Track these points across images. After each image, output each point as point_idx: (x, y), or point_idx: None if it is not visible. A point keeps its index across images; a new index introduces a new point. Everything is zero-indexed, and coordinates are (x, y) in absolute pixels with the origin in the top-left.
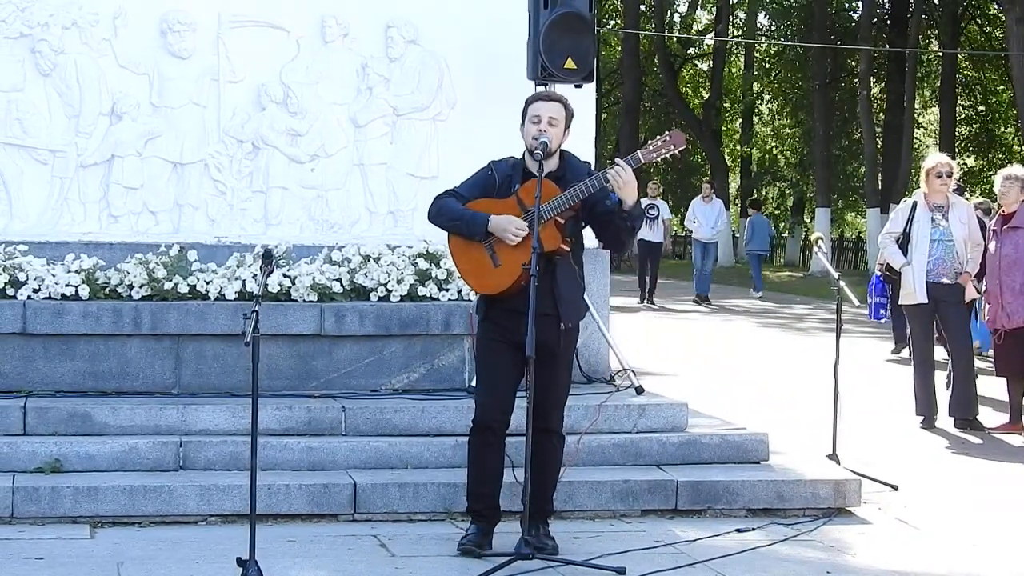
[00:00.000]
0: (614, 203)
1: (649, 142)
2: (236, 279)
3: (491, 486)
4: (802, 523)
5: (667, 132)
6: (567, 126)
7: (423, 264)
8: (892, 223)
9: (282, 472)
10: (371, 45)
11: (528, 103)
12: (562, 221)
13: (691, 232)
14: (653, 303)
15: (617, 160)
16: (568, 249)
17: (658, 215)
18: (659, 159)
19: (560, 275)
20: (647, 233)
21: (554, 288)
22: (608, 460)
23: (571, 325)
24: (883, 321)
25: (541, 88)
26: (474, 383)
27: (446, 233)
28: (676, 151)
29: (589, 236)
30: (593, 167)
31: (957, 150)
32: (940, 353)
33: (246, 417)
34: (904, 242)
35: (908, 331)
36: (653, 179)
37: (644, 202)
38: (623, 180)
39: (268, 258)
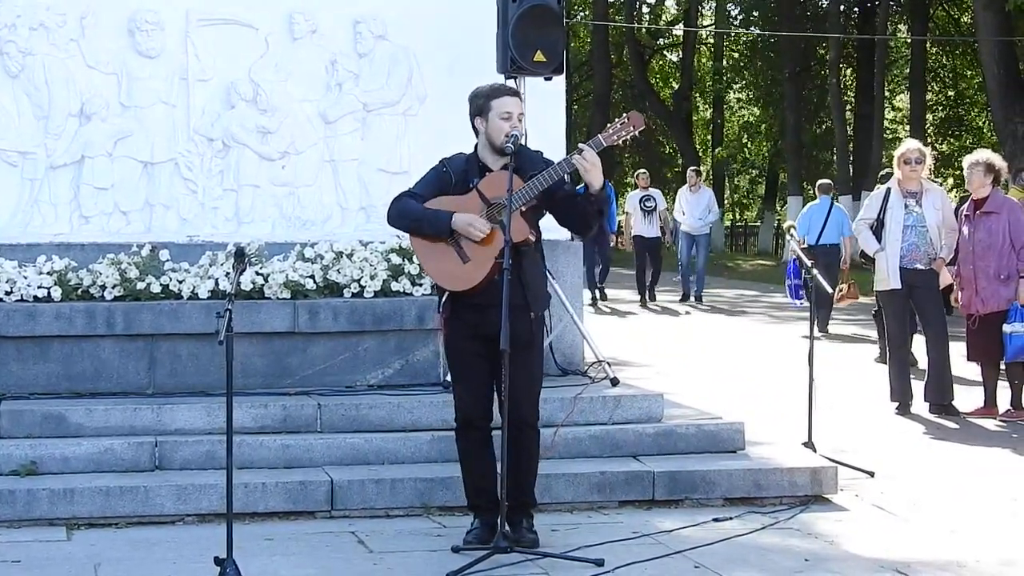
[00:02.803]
0: (575, 188)
1: (608, 125)
2: (209, 278)
3: (488, 480)
4: (779, 511)
5: (625, 114)
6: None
7: (396, 259)
8: (866, 210)
9: (258, 470)
10: (340, 41)
11: (490, 98)
12: (524, 210)
13: (679, 224)
14: (655, 299)
15: (580, 145)
16: (534, 239)
17: (655, 207)
18: (620, 141)
19: (527, 265)
20: (643, 228)
21: (523, 279)
22: (584, 452)
23: (540, 314)
24: (801, 303)
25: (510, 82)
26: (449, 377)
27: (408, 235)
28: (636, 132)
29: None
30: (547, 155)
31: (928, 136)
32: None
33: (221, 416)
34: (878, 228)
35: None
36: (642, 170)
37: (639, 194)
38: (589, 163)
39: (240, 256)
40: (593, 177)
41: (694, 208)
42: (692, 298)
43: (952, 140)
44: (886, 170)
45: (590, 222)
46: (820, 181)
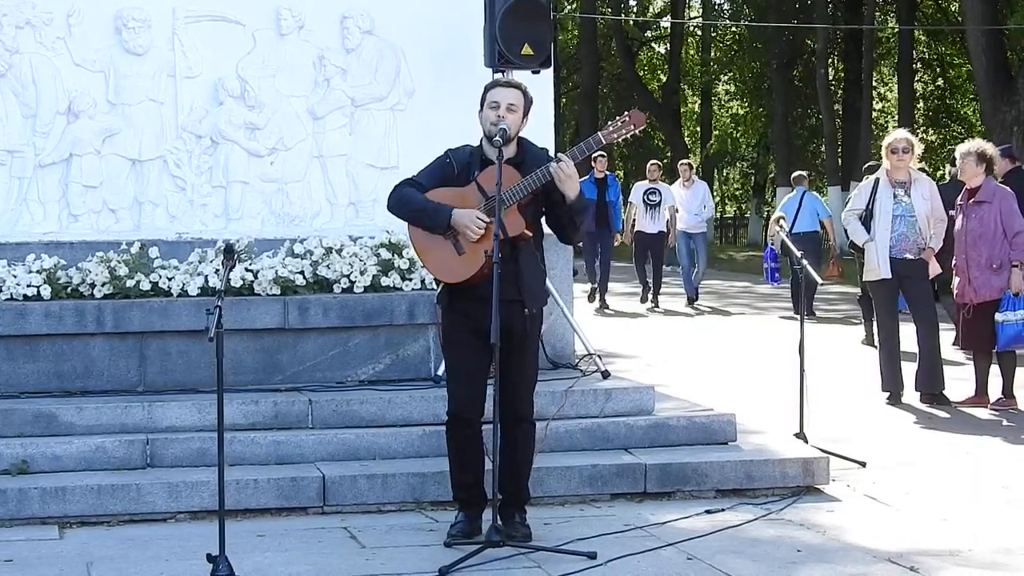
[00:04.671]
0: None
1: (609, 123)
2: (198, 275)
3: (474, 474)
4: (771, 503)
5: (626, 112)
6: (526, 113)
7: (385, 254)
8: (855, 200)
9: (250, 467)
10: (327, 36)
11: (487, 89)
12: (523, 205)
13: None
14: (658, 306)
15: (559, 155)
16: (531, 235)
17: (659, 201)
18: (619, 139)
19: (524, 261)
20: (646, 223)
21: (518, 274)
22: (576, 445)
23: (535, 311)
24: (777, 284)
25: (499, 75)
26: (440, 372)
27: (406, 223)
28: (636, 131)
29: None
30: (553, 153)
31: (917, 126)
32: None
33: (212, 413)
34: (867, 219)
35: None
36: (654, 161)
37: (645, 186)
38: (564, 174)
39: (230, 253)
40: (568, 187)
41: (690, 204)
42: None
43: (941, 129)
44: (871, 163)
45: (567, 231)
46: (794, 174)
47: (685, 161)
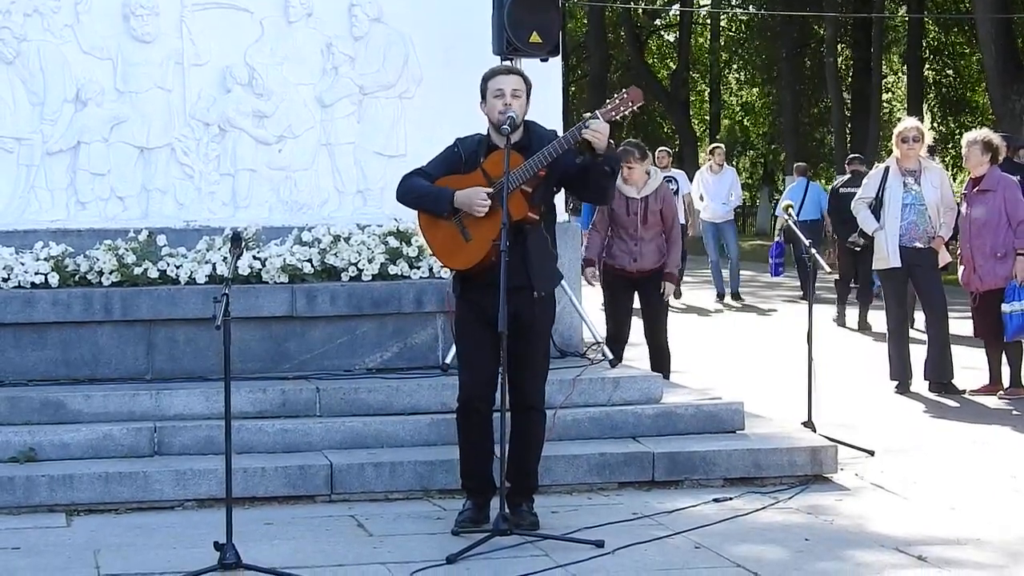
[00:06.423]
0: (585, 160)
1: (607, 100)
2: (206, 263)
3: (483, 462)
4: (779, 491)
5: (624, 89)
6: (527, 97)
7: (393, 242)
8: (865, 188)
9: (257, 455)
10: (335, 24)
11: (487, 79)
12: (529, 190)
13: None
14: (680, 297)
15: (586, 114)
16: (537, 218)
17: (676, 189)
18: (618, 117)
19: (531, 245)
20: None
21: (526, 258)
22: (584, 433)
23: (544, 294)
24: (782, 276)
25: (507, 63)
26: (449, 360)
27: (416, 212)
28: (635, 107)
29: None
30: (560, 134)
31: (932, 114)
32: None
33: (220, 401)
34: (877, 207)
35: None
36: (663, 148)
37: (660, 174)
38: (601, 134)
39: (237, 241)
40: (601, 144)
41: (717, 191)
42: (729, 296)
43: (952, 119)
44: (854, 155)
45: (604, 183)
46: (796, 164)
47: (717, 145)
